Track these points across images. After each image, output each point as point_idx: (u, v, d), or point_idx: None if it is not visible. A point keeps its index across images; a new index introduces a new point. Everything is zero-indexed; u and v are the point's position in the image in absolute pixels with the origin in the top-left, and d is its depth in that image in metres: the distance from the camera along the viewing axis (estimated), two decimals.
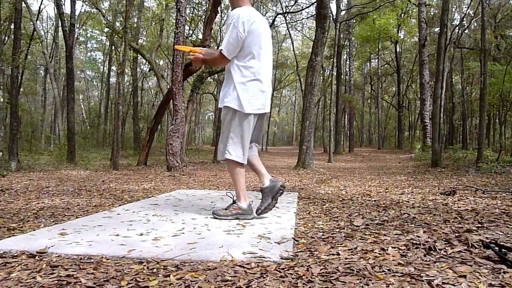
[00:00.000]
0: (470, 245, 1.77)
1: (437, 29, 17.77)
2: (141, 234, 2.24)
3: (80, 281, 1.47)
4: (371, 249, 1.82)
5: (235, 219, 2.64)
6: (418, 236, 1.98)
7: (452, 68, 19.87)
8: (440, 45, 9.06)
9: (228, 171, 2.92)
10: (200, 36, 13.78)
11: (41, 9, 21.94)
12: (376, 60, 27.90)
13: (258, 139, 2.90)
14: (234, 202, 2.73)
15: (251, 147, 2.82)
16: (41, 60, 24.92)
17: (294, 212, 2.96)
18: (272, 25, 18.50)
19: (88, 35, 32.33)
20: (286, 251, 1.85)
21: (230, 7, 2.99)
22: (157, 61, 19.67)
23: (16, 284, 1.45)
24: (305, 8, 21.22)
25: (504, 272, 1.43)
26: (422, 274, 1.44)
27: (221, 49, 2.62)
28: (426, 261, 1.61)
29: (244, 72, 2.64)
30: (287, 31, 25.21)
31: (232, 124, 2.67)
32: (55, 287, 1.42)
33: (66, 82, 14.77)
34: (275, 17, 18.32)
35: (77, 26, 22.30)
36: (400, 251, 1.76)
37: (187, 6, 12.91)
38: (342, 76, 22.39)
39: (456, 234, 1.98)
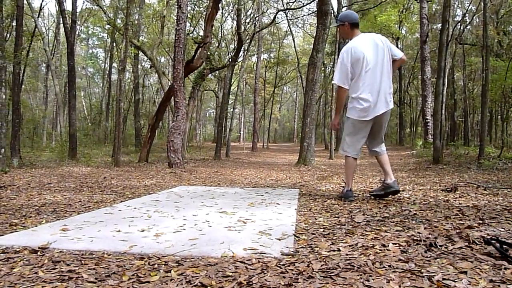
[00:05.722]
0: (471, 241, 1.77)
1: (438, 26, 17.68)
2: (143, 230, 2.25)
3: (82, 276, 1.47)
4: (372, 245, 1.82)
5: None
6: (419, 233, 1.98)
7: (454, 64, 19.79)
8: (442, 42, 9.02)
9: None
10: (201, 33, 13.75)
11: (42, 6, 21.92)
12: None
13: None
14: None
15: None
16: (43, 57, 24.91)
17: (295, 209, 2.97)
18: (273, 21, 18.42)
19: (90, 32, 32.32)
20: (287, 247, 1.86)
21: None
22: (158, 58, 19.64)
23: (19, 279, 1.46)
24: (306, 5, 21.13)
25: (505, 269, 1.43)
26: (422, 270, 1.44)
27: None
28: (426, 257, 1.61)
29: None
30: (288, 27, 25.14)
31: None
32: (57, 282, 1.43)
33: (67, 79, 14.78)
34: (276, 13, 18.20)
35: (79, 23, 22.27)
36: (401, 247, 1.77)
37: (188, 2, 12.88)
38: None
39: (457, 231, 1.98)
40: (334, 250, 1.78)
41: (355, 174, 6.86)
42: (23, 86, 17.48)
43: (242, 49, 16.63)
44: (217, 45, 20.96)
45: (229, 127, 18.29)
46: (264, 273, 1.48)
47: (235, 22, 19.64)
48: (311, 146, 9.59)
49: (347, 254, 1.69)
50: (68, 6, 26.63)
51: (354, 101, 3.35)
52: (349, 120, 3.41)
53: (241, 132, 38.43)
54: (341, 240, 1.96)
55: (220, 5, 12.26)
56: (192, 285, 1.39)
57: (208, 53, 11.43)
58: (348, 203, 3.23)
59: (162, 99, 11.74)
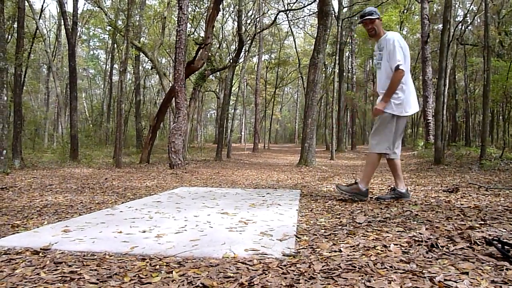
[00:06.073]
0: (472, 242, 1.77)
1: (440, 26, 17.67)
2: (144, 231, 2.25)
3: (84, 277, 1.48)
4: (373, 246, 1.82)
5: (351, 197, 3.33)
6: (420, 233, 1.97)
7: (455, 64, 19.75)
8: (443, 42, 9.02)
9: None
10: (202, 34, 13.77)
11: (43, 8, 22.02)
12: None
13: None
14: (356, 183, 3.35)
15: None
16: (44, 58, 24.95)
17: (297, 210, 2.97)
18: (274, 22, 18.43)
19: (91, 33, 32.38)
20: (288, 248, 1.86)
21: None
22: (159, 59, 19.68)
23: (21, 280, 1.47)
24: (307, 5, 21.18)
25: (506, 269, 1.43)
26: (424, 271, 1.44)
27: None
28: (428, 258, 1.61)
29: None
30: (289, 28, 25.17)
31: None
32: (59, 283, 1.43)
33: (69, 80, 14.81)
34: (277, 14, 18.22)
35: (80, 24, 22.34)
36: (402, 248, 1.76)
37: (189, 4, 12.88)
38: (344, 74, 22.32)
39: (459, 231, 1.98)
40: (335, 251, 1.78)
41: (356, 175, 6.85)
42: (24, 88, 17.52)
43: (243, 50, 16.64)
44: (218, 46, 20.98)
45: (230, 128, 18.30)
46: (266, 274, 1.48)
47: (236, 23, 19.68)
48: (312, 147, 9.58)
49: (348, 255, 1.69)
50: (69, 7, 26.73)
51: (395, 94, 3.20)
52: (393, 116, 3.21)
53: (242, 133, 38.45)
54: (342, 241, 1.96)
55: (221, 6, 12.28)
56: (194, 286, 1.39)
57: (209, 54, 11.44)
58: (350, 203, 3.23)
59: (163, 100, 11.76)
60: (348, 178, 6.22)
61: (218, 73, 19.90)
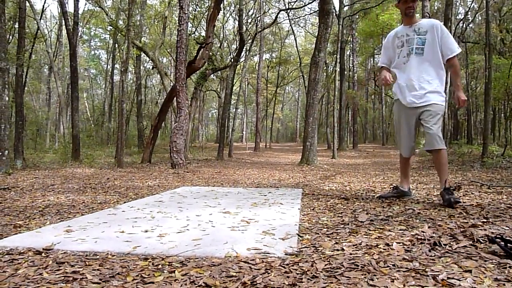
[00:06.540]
0: (475, 240, 1.76)
1: None
2: (146, 231, 2.26)
3: (86, 277, 1.48)
4: (375, 244, 1.82)
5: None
6: (423, 231, 1.97)
7: None
8: None
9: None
10: (203, 34, 13.76)
11: (44, 8, 22.05)
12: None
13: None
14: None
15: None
16: (45, 58, 25.00)
17: (299, 208, 2.96)
18: (275, 21, 18.41)
19: (92, 33, 32.43)
20: (291, 247, 1.86)
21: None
22: (160, 58, 19.69)
23: (23, 280, 1.47)
24: (308, 4, 21.11)
25: (509, 267, 1.43)
26: (427, 269, 1.43)
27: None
28: (431, 256, 1.61)
29: None
30: (290, 27, 25.14)
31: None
32: (62, 283, 1.44)
33: (70, 80, 14.83)
34: (278, 13, 18.20)
35: (81, 24, 22.36)
36: (405, 247, 1.76)
37: (190, 3, 12.88)
38: (345, 72, 22.27)
39: (461, 229, 1.98)
40: (337, 250, 1.77)
41: (358, 174, 6.84)
42: (26, 88, 17.57)
43: (244, 49, 16.63)
44: (219, 45, 20.98)
45: (232, 127, 18.31)
46: (268, 273, 1.48)
47: (236, 22, 19.65)
48: (314, 145, 9.57)
49: (351, 254, 1.69)
50: (70, 7, 26.72)
51: (442, 86, 3.00)
52: (443, 108, 3.01)
53: (244, 132, 38.46)
54: (344, 240, 1.96)
55: (221, 5, 12.27)
56: (196, 285, 1.39)
57: (210, 53, 11.44)
58: (351, 202, 3.22)
59: (165, 100, 11.77)
60: (350, 176, 6.21)
61: (219, 72, 19.91)
